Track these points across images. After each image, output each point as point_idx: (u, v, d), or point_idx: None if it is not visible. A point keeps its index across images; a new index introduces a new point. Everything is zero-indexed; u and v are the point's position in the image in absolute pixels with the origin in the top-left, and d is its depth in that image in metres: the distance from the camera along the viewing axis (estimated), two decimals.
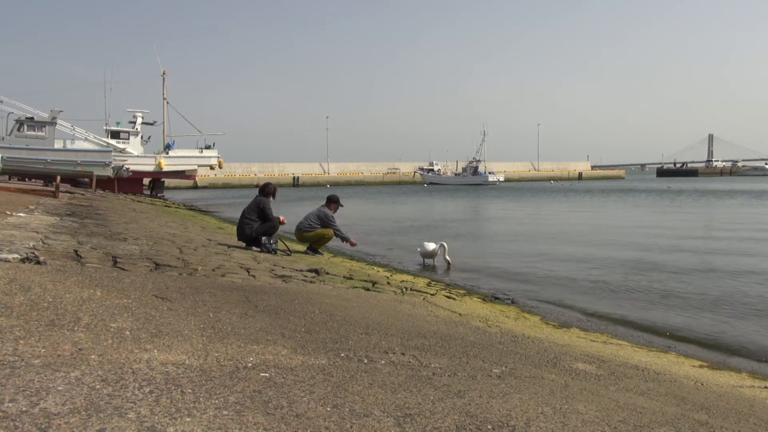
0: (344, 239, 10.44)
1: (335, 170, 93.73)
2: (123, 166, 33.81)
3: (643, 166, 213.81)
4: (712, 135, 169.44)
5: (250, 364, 2.75)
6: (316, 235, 10.27)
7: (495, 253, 12.84)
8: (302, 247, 10.51)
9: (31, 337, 2.74)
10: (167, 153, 39.59)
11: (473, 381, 3.00)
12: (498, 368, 3.43)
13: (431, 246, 10.70)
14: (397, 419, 2.22)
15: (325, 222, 10.26)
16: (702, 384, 4.14)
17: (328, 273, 7.53)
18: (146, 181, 39.82)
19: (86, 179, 29.18)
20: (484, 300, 7.38)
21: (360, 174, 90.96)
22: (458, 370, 3.23)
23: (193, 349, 2.89)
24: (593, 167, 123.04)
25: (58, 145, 33.29)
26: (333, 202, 10.54)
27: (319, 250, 10.34)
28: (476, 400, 2.60)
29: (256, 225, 9.31)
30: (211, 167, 42.01)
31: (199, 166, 41.41)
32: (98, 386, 2.19)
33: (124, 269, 5.46)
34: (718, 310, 7.35)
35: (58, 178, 19.06)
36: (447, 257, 10.53)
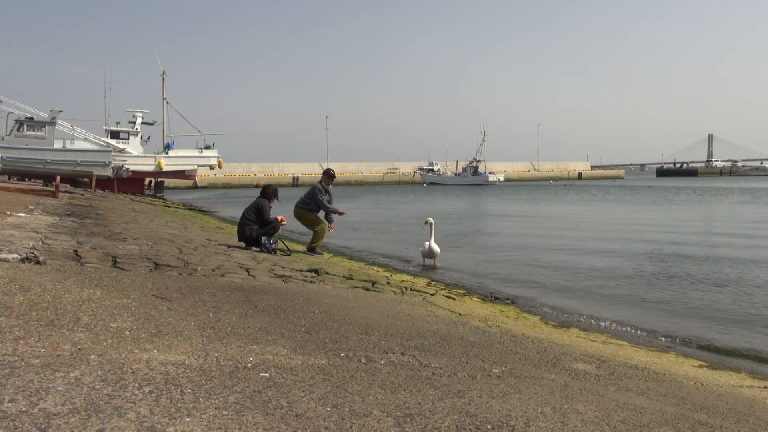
0: (333, 211, 10.47)
1: (335, 170, 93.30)
2: (122, 166, 33.78)
3: (642, 166, 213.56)
4: (712, 135, 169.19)
5: (249, 364, 2.75)
6: (308, 217, 10.32)
7: (495, 253, 12.84)
8: (302, 247, 10.52)
9: (31, 337, 2.74)
10: (167, 153, 39.59)
11: (473, 381, 3.00)
12: (498, 368, 3.43)
13: (434, 246, 10.70)
14: (396, 419, 2.22)
15: (316, 203, 10.28)
16: (702, 384, 4.14)
17: (327, 273, 7.53)
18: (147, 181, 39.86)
19: (86, 179, 29.18)
20: (483, 300, 7.38)
21: (360, 174, 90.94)
22: (458, 370, 3.23)
23: (193, 349, 2.89)
24: (593, 167, 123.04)
25: (57, 145, 33.26)
26: (327, 176, 10.66)
27: (318, 250, 10.35)
28: (476, 400, 2.60)
29: (256, 227, 9.32)
30: (211, 167, 41.99)
31: (199, 166, 41.41)
32: (98, 386, 2.18)
33: (123, 269, 5.45)
34: (718, 309, 7.35)
35: (58, 178, 19.06)
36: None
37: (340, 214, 10.67)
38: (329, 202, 10.39)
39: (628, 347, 5.39)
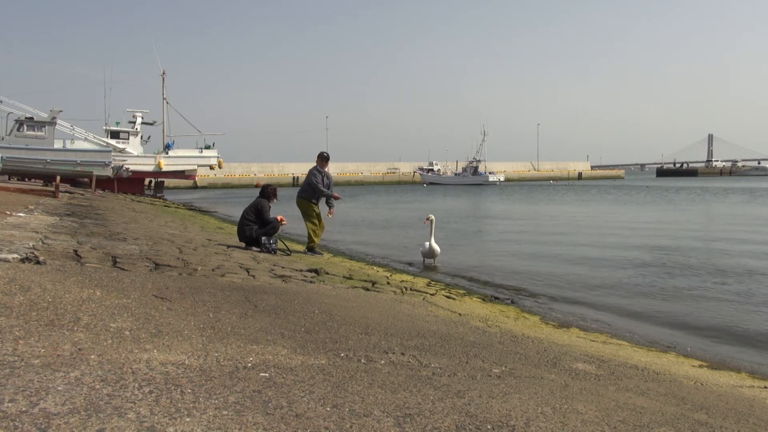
0: (329, 195, 10.44)
1: (335, 170, 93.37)
2: (122, 166, 33.78)
3: (642, 166, 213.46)
4: (712, 135, 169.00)
5: (249, 364, 2.75)
6: (306, 211, 10.31)
7: (495, 253, 12.84)
8: (302, 247, 10.52)
9: (31, 337, 2.74)
10: (167, 153, 39.60)
11: (473, 381, 3.00)
12: (498, 368, 3.43)
13: (434, 246, 10.72)
14: (396, 419, 2.22)
15: (311, 189, 10.26)
16: (702, 384, 4.14)
17: (327, 273, 7.53)
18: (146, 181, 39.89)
19: (86, 179, 29.18)
20: (483, 300, 7.38)
21: (360, 174, 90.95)
22: (458, 370, 3.23)
23: (193, 349, 2.89)
24: (593, 167, 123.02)
25: (57, 145, 33.25)
26: (321, 158, 10.56)
27: (318, 250, 10.35)
28: (476, 400, 2.60)
29: (256, 227, 9.32)
30: (211, 167, 42.00)
31: (199, 166, 41.43)
32: (98, 386, 2.18)
33: (123, 269, 5.45)
34: (718, 308, 7.34)
35: (58, 178, 19.06)
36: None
37: (336, 198, 10.64)
38: (328, 186, 10.36)
39: (628, 347, 5.39)
